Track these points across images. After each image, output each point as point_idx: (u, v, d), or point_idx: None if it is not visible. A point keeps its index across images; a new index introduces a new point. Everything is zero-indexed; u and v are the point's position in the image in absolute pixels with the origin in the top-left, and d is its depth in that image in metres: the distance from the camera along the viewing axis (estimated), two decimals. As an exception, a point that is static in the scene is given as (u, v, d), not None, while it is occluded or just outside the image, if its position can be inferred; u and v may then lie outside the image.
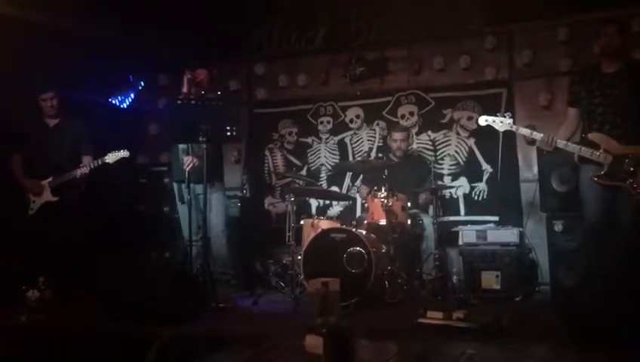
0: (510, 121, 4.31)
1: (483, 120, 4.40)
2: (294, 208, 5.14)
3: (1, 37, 4.89)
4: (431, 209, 5.45)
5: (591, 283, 3.50)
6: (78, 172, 5.04)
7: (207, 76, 4.93)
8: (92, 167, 5.06)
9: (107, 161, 5.04)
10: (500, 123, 4.32)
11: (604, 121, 4.09)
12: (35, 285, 4.19)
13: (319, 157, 6.62)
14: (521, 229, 5.20)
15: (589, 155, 4.04)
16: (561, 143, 4.11)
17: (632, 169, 3.94)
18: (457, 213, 5.98)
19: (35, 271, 4.29)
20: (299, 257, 4.73)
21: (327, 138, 6.60)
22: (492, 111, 5.56)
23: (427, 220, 5.37)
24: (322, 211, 6.42)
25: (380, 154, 6.18)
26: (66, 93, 5.28)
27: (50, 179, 5.09)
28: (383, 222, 4.84)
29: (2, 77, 4.90)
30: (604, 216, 4.08)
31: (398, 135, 5.70)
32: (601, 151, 4.01)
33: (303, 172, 6.60)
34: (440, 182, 5.82)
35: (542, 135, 4.17)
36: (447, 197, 6.01)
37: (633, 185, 3.93)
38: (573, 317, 3.26)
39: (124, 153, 5.07)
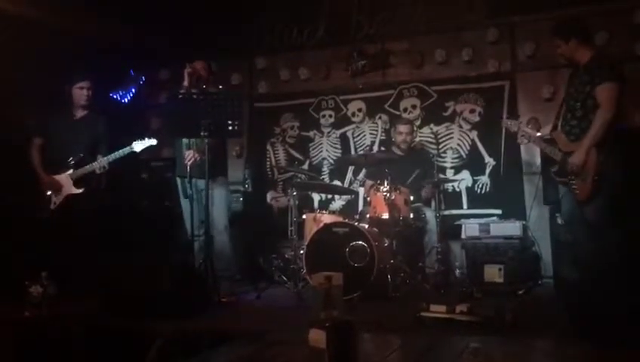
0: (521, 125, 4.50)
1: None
2: (296, 202, 5.14)
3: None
4: (433, 202, 5.44)
5: (593, 276, 3.49)
6: (97, 165, 4.91)
7: (205, 67, 4.88)
8: (112, 160, 4.92)
9: (135, 149, 4.95)
10: (515, 126, 4.51)
11: (558, 117, 4.14)
12: (38, 280, 4.18)
13: (321, 151, 6.61)
14: (524, 222, 5.20)
15: (549, 152, 4.10)
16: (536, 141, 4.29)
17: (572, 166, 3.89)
18: (460, 207, 5.97)
19: (38, 266, 4.28)
20: (301, 251, 4.73)
21: (329, 132, 6.58)
22: (495, 104, 5.62)
23: (430, 214, 5.36)
24: (324, 205, 6.41)
25: (383, 148, 6.17)
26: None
27: (70, 171, 4.96)
28: (385, 215, 4.83)
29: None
30: (573, 212, 4.03)
31: (403, 128, 5.68)
32: (557, 148, 4.04)
33: (305, 166, 6.59)
34: (442, 176, 5.81)
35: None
36: (449, 190, 5.99)
37: (572, 185, 3.90)
38: (576, 311, 3.25)
39: (151, 141, 4.98)
